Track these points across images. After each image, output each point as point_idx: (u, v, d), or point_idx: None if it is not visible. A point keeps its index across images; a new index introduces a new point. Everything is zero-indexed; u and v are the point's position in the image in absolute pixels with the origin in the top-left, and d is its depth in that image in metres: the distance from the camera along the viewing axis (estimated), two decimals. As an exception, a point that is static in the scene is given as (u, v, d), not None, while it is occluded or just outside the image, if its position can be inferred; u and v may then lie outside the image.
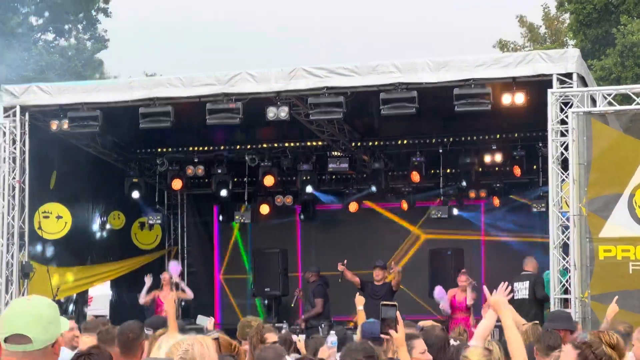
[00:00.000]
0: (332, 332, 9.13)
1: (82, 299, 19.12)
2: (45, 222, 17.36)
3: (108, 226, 19.91)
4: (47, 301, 3.91)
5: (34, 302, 3.88)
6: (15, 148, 16.18)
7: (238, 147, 19.61)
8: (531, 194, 19.39)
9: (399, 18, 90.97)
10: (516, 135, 18.34)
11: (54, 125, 16.43)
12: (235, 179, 20.33)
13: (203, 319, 13.63)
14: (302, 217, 21.48)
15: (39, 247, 17.23)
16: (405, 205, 20.36)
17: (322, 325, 16.72)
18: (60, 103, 16.26)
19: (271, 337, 8.37)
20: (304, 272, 19.47)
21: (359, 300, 10.69)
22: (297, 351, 9.19)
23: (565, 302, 13.56)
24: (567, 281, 13.57)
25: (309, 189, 19.51)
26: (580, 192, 13.47)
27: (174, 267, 18.20)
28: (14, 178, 16.14)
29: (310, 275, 18.47)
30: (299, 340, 9.62)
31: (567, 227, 13.64)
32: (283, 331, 12.01)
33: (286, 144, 19.28)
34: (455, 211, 20.00)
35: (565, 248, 13.70)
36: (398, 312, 6.13)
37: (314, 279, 18.33)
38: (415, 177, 18.89)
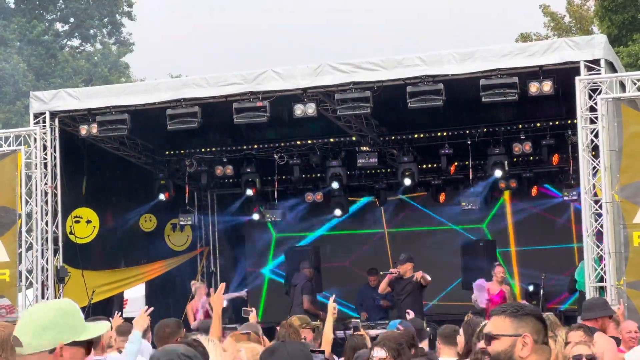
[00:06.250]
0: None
1: (119, 302, 19.20)
2: (77, 227, 17.49)
3: (140, 229, 19.98)
4: (59, 306, 3.76)
5: (43, 306, 3.79)
6: (46, 154, 16.29)
7: (266, 145, 19.62)
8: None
9: (417, 10, 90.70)
10: (545, 124, 18.22)
11: (84, 130, 16.52)
12: (265, 178, 20.30)
13: (246, 311, 13.62)
14: (337, 213, 21.03)
15: (73, 252, 17.33)
16: (442, 198, 20.27)
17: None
18: (88, 107, 16.38)
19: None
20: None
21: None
22: None
23: (601, 290, 13.48)
24: (602, 269, 13.50)
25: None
26: (612, 179, 13.39)
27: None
28: (45, 184, 16.26)
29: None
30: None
31: (600, 215, 13.56)
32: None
33: (314, 141, 19.25)
34: (485, 202, 19.85)
35: (598, 235, 13.63)
36: None
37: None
38: (453, 169, 18.92)
